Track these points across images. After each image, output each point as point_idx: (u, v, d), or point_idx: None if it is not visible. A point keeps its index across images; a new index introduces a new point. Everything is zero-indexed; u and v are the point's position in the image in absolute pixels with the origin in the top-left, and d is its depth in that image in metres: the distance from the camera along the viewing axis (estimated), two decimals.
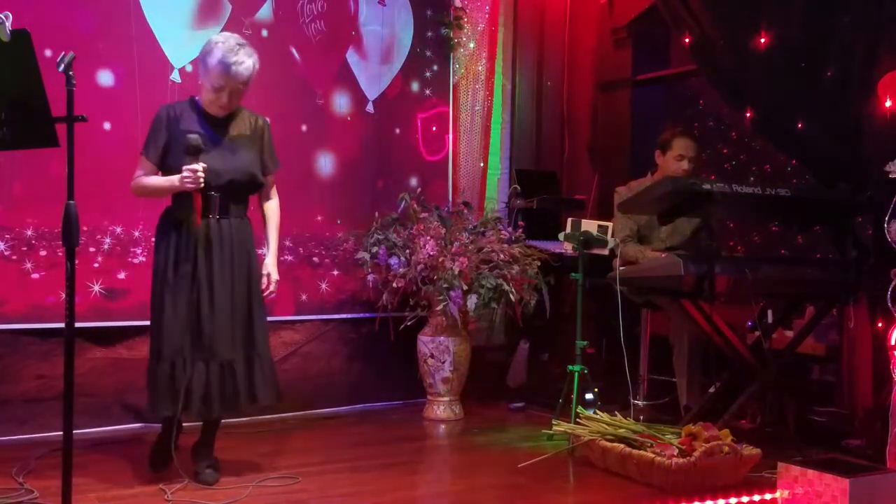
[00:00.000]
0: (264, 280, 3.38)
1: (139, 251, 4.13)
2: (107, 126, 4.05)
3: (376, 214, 4.67)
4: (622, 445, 3.43)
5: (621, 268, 4.18)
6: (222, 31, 4.31)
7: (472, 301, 4.38)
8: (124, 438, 3.97)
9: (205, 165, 3.13)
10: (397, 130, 5.02)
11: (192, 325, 3.18)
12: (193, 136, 3.13)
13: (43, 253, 3.92)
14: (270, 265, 3.41)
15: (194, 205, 3.16)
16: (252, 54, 3.22)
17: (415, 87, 5.09)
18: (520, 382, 5.27)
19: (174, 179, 3.16)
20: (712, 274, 3.62)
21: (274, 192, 3.51)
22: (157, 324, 3.23)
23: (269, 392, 3.33)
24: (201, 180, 3.12)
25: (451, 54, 5.21)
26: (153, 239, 4.10)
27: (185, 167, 3.11)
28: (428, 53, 5.12)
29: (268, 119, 3.47)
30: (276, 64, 4.54)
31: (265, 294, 3.38)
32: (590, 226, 4.15)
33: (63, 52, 2.51)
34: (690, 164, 4.40)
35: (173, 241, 3.23)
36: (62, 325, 2.55)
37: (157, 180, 3.24)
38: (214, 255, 3.23)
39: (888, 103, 3.59)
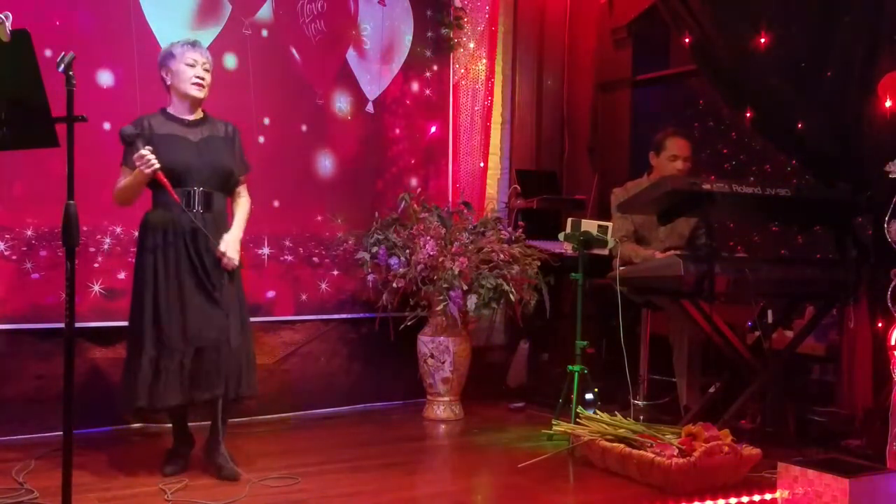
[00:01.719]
0: (221, 244, 3.32)
1: None
2: (107, 126, 4.05)
3: (376, 214, 4.67)
4: (622, 445, 3.43)
5: (621, 268, 4.18)
6: (222, 31, 4.34)
7: (472, 301, 4.38)
8: (124, 438, 3.98)
9: (150, 147, 3.21)
10: (397, 130, 5.02)
11: (179, 315, 3.26)
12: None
13: (43, 253, 3.92)
14: (229, 239, 3.36)
15: (172, 197, 3.25)
16: None
17: (415, 87, 5.08)
18: (520, 382, 5.27)
19: (136, 172, 3.24)
20: (712, 274, 3.63)
21: (245, 193, 3.59)
22: (138, 319, 3.31)
23: (249, 384, 3.39)
24: (152, 160, 3.19)
25: (451, 54, 5.20)
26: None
27: (134, 156, 3.20)
28: (428, 53, 5.12)
29: (237, 126, 3.56)
30: (276, 64, 4.55)
31: (222, 255, 3.31)
32: (590, 226, 4.15)
33: (63, 52, 2.51)
34: (685, 164, 4.41)
35: (156, 238, 3.31)
36: (62, 325, 2.56)
37: (127, 179, 3.32)
38: (201, 246, 3.31)
39: (888, 103, 3.59)
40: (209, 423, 3.40)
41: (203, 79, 3.38)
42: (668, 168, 4.40)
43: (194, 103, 3.41)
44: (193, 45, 3.41)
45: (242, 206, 3.56)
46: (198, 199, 3.32)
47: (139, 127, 3.32)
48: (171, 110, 3.43)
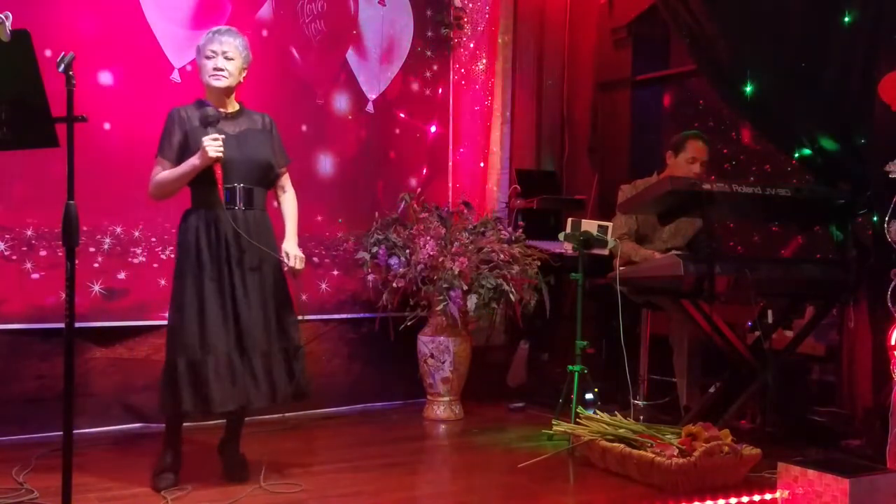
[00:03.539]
0: (284, 255, 3.28)
1: (139, 251, 4.13)
2: (107, 126, 4.05)
3: (376, 214, 4.67)
4: (622, 445, 3.43)
5: (621, 268, 4.18)
6: None
7: (472, 301, 4.37)
8: (124, 438, 3.98)
9: (223, 136, 3.15)
10: (397, 130, 5.01)
11: (224, 318, 3.15)
12: (210, 108, 3.21)
13: (43, 253, 3.92)
14: (291, 252, 3.31)
15: (218, 195, 3.14)
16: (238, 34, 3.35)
17: (415, 87, 5.08)
18: (520, 382, 5.27)
19: (193, 160, 3.14)
20: (712, 274, 3.63)
21: (289, 186, 3.48)
22: (179, 321, 3.16)
23: (303, 387, 3.33)
24: (221, 148, 3.11)
25: (451, 54, 5.20)
26: (153, 239, 4.14)
27: (204, 138, 3.11)
28: (428, 53, 5.12)
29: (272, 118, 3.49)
30: (276, 64, 4.55)
31: (289, 267, 3.29)
32: (590, 226, 4.15)
33: (63, 52, 2.51)
34: (702, 168, 4.38)
35: (197, 237, 3.19)
36: (62, 325, 2.55)
37: (175, 169, 3.19)
38: (244, 245, 3.20)
39: (889, 104, 3.59)
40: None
41: (222, 69, 3.23)
42: (684, 170, 4.36)
43: (219, 94, 3.28)
44: (214, 34, 3.26)
45: (290, 202, 3.45)
46: (239, 195, 3.21)
47: (184, 112, 3.24)
48: (207, 102, 3.31)
